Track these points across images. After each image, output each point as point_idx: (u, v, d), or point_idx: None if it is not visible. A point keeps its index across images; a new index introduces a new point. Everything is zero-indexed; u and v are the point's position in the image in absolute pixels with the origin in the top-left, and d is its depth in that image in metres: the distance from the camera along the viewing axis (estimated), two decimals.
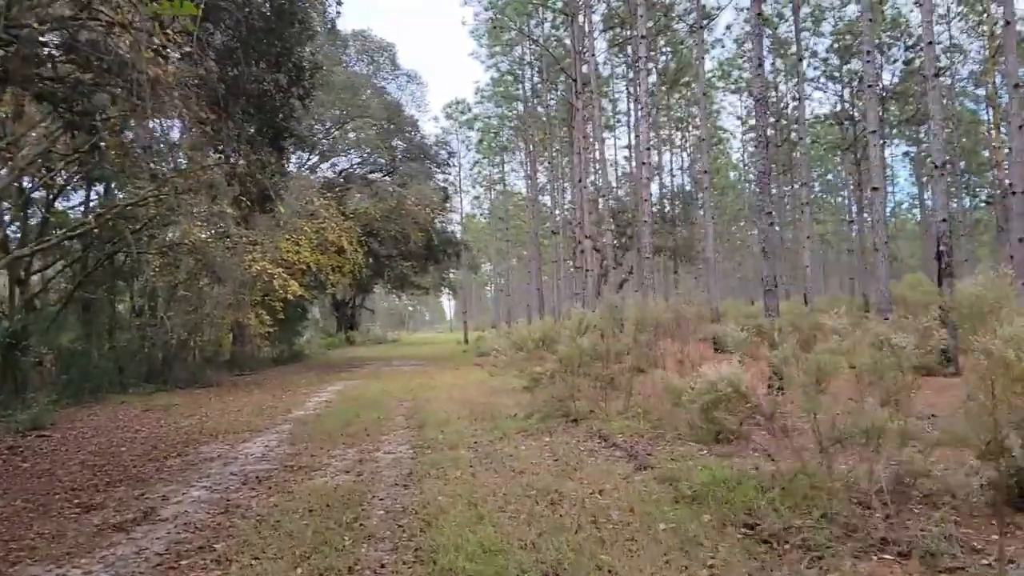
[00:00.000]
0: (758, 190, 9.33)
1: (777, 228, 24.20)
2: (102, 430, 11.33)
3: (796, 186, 38.39)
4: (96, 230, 17.94)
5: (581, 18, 21.05)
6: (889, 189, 51.13)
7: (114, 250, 17.45)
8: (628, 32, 25.23)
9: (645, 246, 14.28)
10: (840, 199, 62.23)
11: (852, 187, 37.32)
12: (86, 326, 18.77)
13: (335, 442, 9.00)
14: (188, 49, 5.57)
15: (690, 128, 41.01)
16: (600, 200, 18.93)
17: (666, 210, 28.62)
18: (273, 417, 12.12)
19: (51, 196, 17.27)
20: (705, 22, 18.31)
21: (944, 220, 10.09)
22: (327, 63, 22.51)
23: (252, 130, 8.25)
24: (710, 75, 38.12)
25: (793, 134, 36.32)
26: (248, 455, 8.52)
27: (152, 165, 8.75)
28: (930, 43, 10.63)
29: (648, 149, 14.62)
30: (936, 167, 10.22)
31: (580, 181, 20.44)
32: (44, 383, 15.51)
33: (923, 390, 5.81)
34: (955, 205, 46.88)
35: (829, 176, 58.37)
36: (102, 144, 6.27)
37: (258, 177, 8.60)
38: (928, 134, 39.91)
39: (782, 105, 37.24)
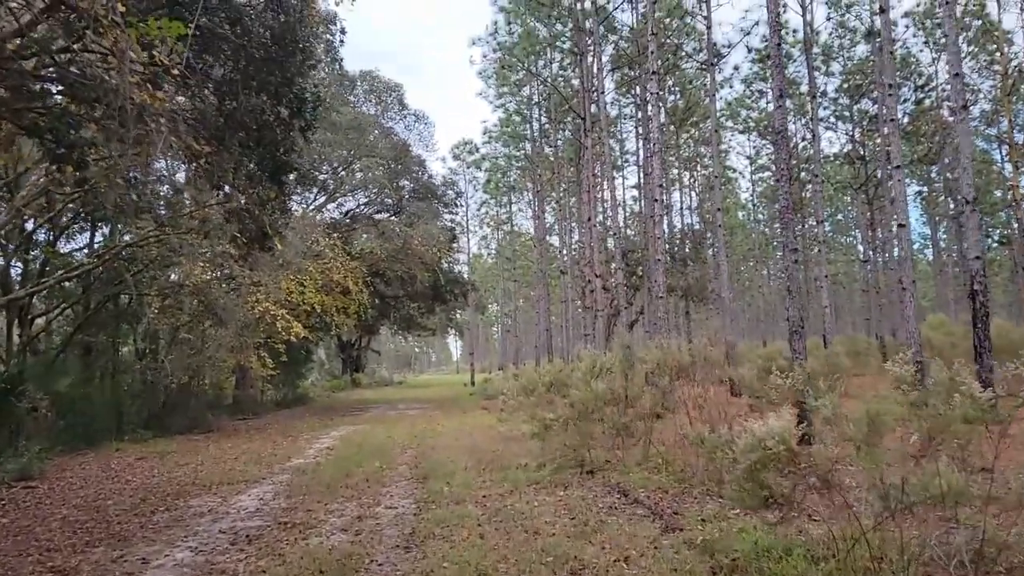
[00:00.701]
0: (781, 226, 8.87)
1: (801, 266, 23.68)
2: (92, 480, 10.78)
3: (807, 224, 37.99)
4: (98, 271, 17.69)
5: (590, 58, 20.93)
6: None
7: (114, 292, 17.09)
8: (636, 72, 25.13)
9: (658, 285, 13.80)
10: (850, 239, 61.90)
11: (864, 227, 36.91)
12: (86, 370, 18.34)
13: (334, 494, 8.42)
14: (177, 72, 5.21)
15: (698, 168, 40.82)
16: (611, 239, 18.50)
17: (676, 250, 28.20)
18: (271, 466, 11.54)
19: (53, 237, 17.00)
20: (716, 59, 18.11)
21: (978, 257, 9.58)
22: (334, 103, 22.43)
23: (252, 165, 7.88)
24: (719, 114, 38.08)
25: (803, 173, 36.14)
26: (240, 509, 7.94)
27: (138, 197, 8.37)
28: (956, 75, 10.26)
29: (660, 186, 14.26)
30: (967, 202, 9.75)
31: (589, 220, 20.06)
32: (39, 430, 15.04)
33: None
34: (967, 245, 46.24)
35: (839, 216, 57.99)
36: (89, 178, 5.87)
37: (256, 213, 8.20)
38: (941, 173, 39.76)
39: (791, 144, 37.09)
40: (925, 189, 46.67)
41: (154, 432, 16.66)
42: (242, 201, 7.73)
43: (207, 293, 16.59)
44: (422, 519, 6.67)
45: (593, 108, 19.61)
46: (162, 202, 16.53)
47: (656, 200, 14.16)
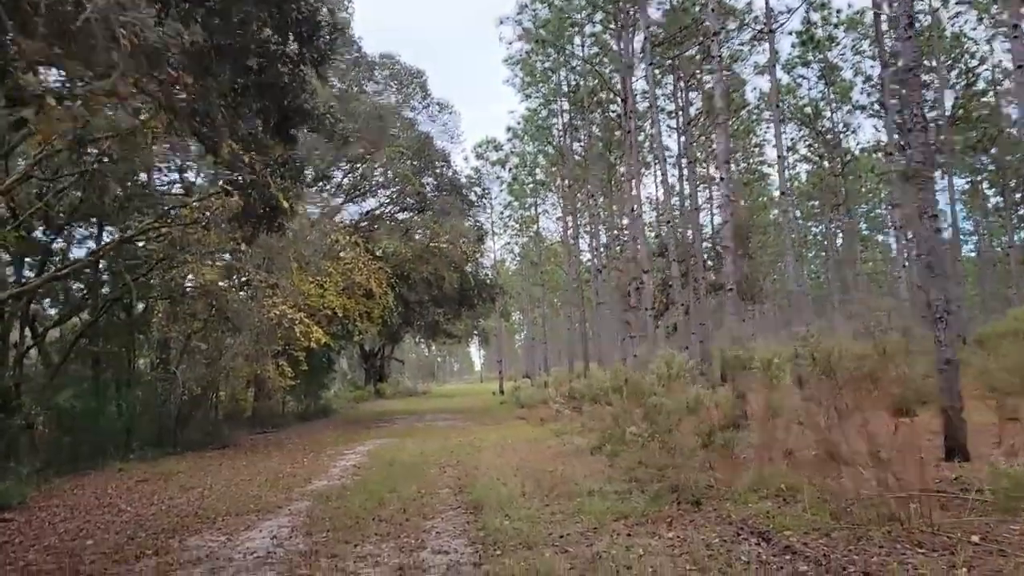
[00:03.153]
0: (919, 187, 7.08)
1: (946, 236, 21.63)
2: (80, 510, 9.17)
3: (844, 219, 35.89)
4: (99, 272, 16.26)
5: (632, 31, 19.22)
6: (945, 224, 48.15)
7: (116, 296, 15.63)
8: (673, 55, 23.32)
9: (727, 276, 12.03)
10: (885, 236, 59.24)
11: (914, 219, 34.62)
12: (95, 382, 16.94)
13: (365, 532, 6.69)
14: None
15: (731, 166, 38.86)
16: (664, 228, 16.68)
17: (720, 245, 26.23)
18: (289, 490, 9.88)
19: (51, 236, 15.57)
20: (774, 28, 16.30)
21: None
22: (352, 89, 20.96)
23: (256, 119, 6.24)
24: (754, 105, 36.27)
25: (845, 166, 34.14)
26: (247, 553, 6.26)
27: (143, 188, 6.85)
28: None
29: (727, 162, 12.49)
30: None
31: (633, 211, 18.29)
32: (36, 449, 13.59)
33: None
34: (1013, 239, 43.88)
35: (874, 212, 55.46)
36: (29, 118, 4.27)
37: (261, 179, 6.51)
38: (995, 161, 37.38)
39: (829, 137, 35.03)
40: (967, 181, 44.22)
41: (165, 449, 15.17)
42: (243, 164, 6.07)
43: (218, 296, 15.06)
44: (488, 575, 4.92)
45: (638, 85, 17.84)
46: (167, 202, 15.08)
47: (722, 179, 12.40)
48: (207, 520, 7.96)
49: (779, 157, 15.61)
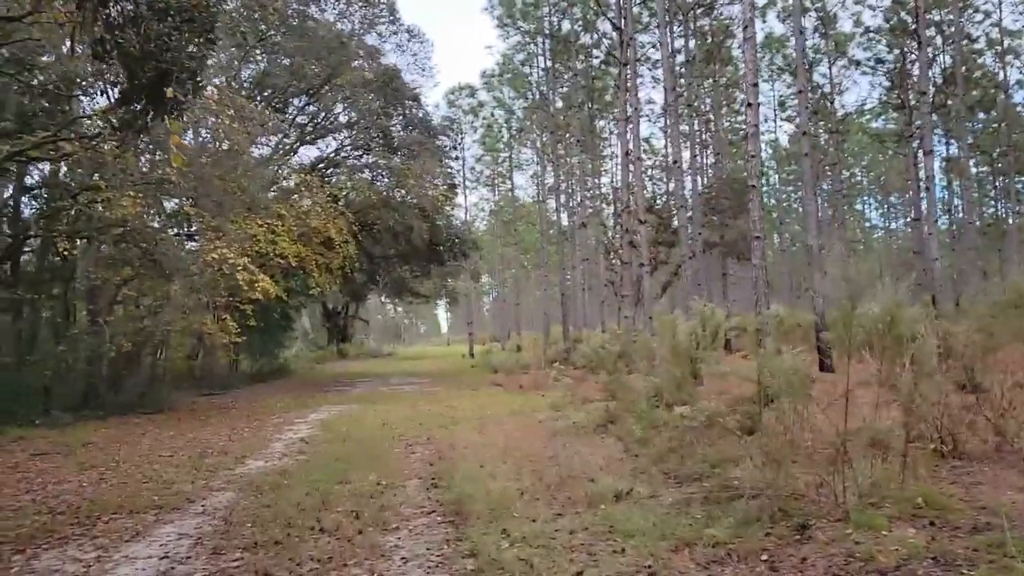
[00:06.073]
0: None
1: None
2: None
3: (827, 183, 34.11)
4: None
5: None
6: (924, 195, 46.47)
7: (18, 233, 13.17)
8: None
9: (754, 223, 10.03)
10: (864, 202, 57.84)
11: (911, 182, 32.88)
12: (15, 335, 14.59)
13: (296, 553, 4.58)
14: None
15: (723, 121, 36.63)
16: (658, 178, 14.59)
17: (713, 203, 24.34)
18: (213, 472, 7.74)
19: None
20: None
21: None
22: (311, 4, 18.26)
23: None
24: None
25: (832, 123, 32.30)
26: None
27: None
28: None
29: (755, 85, 10.42)
30: None
31: (628, 154, 16.19)
32: None
33: None
34: (993, 210, 42.83)
35: (856, 178, 53.74)
36: None
37: (142, 25, 4.25)
38: (987, 125, 35.86)
39: (826, 91, 32.90)
40: (956, 150, 42.77)
41: (86, 413, 12.90)
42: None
43: (144, 236, 12.65)
44: None
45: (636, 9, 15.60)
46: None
47: (750, 104, 10.33)
48: (87, 520, 5.81)
49: (799, 92, 13.51)
